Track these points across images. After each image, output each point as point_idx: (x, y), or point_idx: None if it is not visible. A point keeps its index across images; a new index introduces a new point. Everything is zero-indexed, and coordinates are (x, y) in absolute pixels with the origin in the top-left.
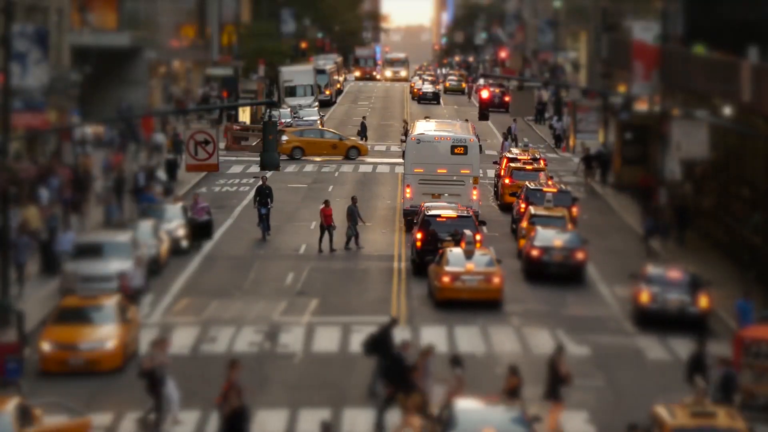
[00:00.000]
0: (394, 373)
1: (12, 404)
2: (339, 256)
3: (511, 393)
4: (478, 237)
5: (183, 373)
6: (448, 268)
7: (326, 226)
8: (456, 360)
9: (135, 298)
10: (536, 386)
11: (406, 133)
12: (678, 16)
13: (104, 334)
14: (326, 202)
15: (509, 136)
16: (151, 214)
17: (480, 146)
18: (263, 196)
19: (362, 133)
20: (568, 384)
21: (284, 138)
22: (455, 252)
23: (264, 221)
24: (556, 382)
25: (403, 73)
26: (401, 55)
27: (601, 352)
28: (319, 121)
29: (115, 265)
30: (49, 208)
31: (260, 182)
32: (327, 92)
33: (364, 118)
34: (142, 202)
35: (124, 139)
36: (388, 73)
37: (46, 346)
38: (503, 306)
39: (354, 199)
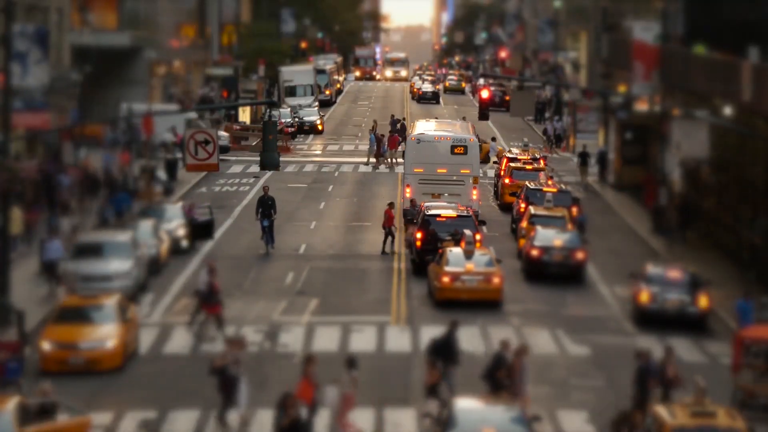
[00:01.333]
0: (490, 371)
1: (12, 403)
2: (339, 256)
3: (431, 388)
4: (478, 237)
5: (183, 373)
6: (447, 268)
7: (388, 228)
8: (351, 361)
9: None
10: (536, 386)
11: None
12: (678, 16)
13: (104, 334)
14: (391, 204)
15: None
16: (151, 214)
17: (480, 146)
18: (266, 207)
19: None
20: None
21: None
22: (455, 252)
23: (267, 233)
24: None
25: (403, 73)
26: (401, 55)
27: (601, 352)
28: (319, 121)
29: (115, 264)
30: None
31: (263, 192)
32: (327, 92)
33: (403, 118)
34: (113, 203)
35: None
36: (389, 72)
37: (46, 346)
38: (503, 306)
39: (392, 205)
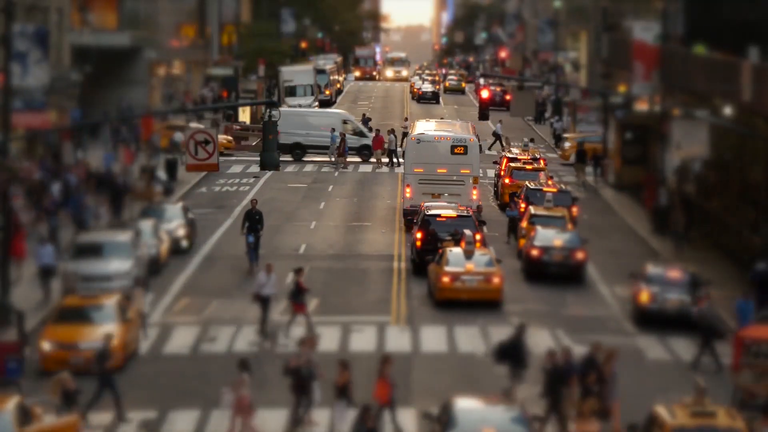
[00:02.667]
0: (557, 377)
1: (12, 403)
2: (339, 256)
3: (342, 389)
4: (477, 237)
5: (183, 373)
6: (447, 268)
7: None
8: (243, 364)
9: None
10: (536, 386)
11: (405, 135)
12: (678, 16)
13: (104, 334)
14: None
15: (499, 138)
16: (151, 214)
17: (480, 146)
18: (252, 221)
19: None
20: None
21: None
22: (455, 252)
23: (252, 250)
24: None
25: (404, 73)
26: (402, 55)
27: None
28: None
29: (115, 264)
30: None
31: (250, 206)
32: (327, 92)
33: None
34: (69, 206)
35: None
36: (389, 72)
37: (46, 346)
38: (503, 306)
39: (479, 208)
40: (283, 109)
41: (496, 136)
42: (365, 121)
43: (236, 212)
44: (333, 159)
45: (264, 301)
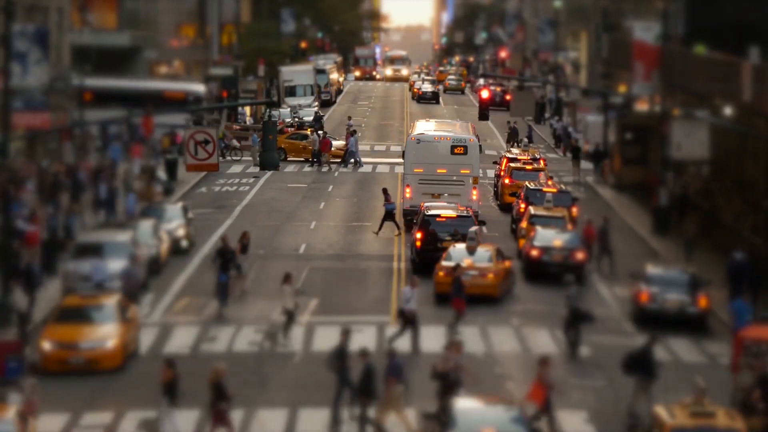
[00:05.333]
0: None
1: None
2: (339, 256)
3: (167, 386)
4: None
5: (183, 373)
6: (444, 263)
7: (589, 246)
8: (31, 368)
9: (135, 296)
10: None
11: None
12: (679, 16)
13: (104, 334)
14: (589, 221)
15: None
16: (151, 214)
17: (480, 146)
18: (225, 260)
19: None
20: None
21: None
22: (458, 248)
23: (223, 292)
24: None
25: (404, 72)
26: (402, 53)
27: (601, 352)
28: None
29: (115, 264)
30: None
31: (221, 243)
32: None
33: (509, 122)
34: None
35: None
36: (389, 71)
37: (46, 346)
38: (503, 306)
39: (606, 220)
40: None
41: (514, 134)
42: (349, 125)
43: (236, 212)
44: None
45: (408, 317)
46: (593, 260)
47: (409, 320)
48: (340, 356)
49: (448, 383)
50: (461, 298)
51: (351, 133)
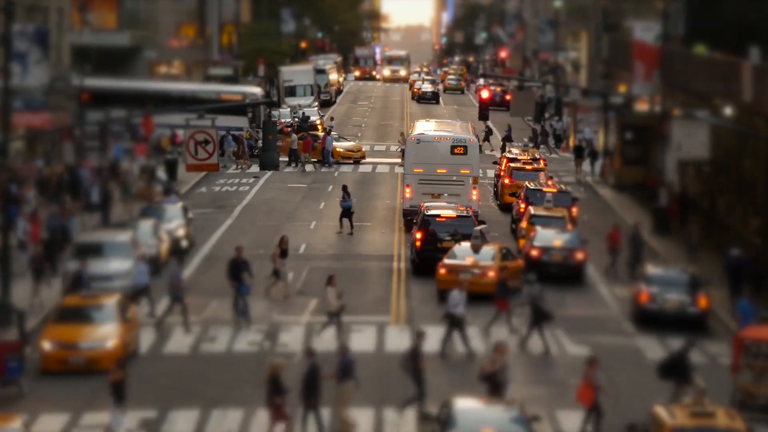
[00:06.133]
0: None
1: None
2: (339, 256)
3: (116, 387)
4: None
5: (183, 373)
6: (447, 261)
7: (613, 251)
8: None
9: (137, 297)
10: (536, 386)
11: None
12: (679, 16)
13: (104, 333)
14: (616, 225)
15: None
16: (151, 214)
17: (480, 146)
18: (237, 270)
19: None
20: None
21: None
22: (463, 246)
23: (241, 304)
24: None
25: (402, 72)
26: (401, 53)
27: (601, 352)
28: (318, 121)
29: (115, 264)
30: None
31: (235, 254)
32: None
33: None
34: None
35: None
36: (386, 72)
37: (46, 345)
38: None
39: (637, 227)
40: None
41: (540, 134)
42: (330, 127)
43: (236, 212)
44: (235, 162)
45: (457, 321)
46: (609, 266)
47: (456, 324)
48: (413, 358)
49: (495, 384)
50: (505, 298)
51: (327, 133)
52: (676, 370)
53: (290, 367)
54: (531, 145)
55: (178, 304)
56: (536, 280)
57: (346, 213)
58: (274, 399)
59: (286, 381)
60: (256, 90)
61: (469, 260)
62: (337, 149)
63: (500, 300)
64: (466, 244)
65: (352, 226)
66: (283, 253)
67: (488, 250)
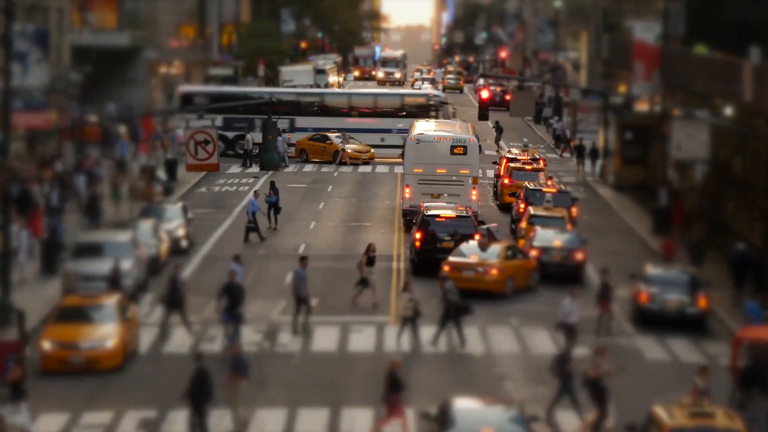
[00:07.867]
0: None
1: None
2: (339, 256)
3: (14, 385)
4: (476, 237)
5: (183, 373)
6: (450, 258)
7: (668, 258)
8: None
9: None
10: (536, 386)
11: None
12: (679, 16)
13: (104, 333)
14: (672, 236)
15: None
16: (151, 214)
17: (479, 146)
18: (234, 296)
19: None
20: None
21: None
22: (470, 244)
23: (233, 332)
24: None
25: (397, 75)
26: (397, 54)
27: None
28: None
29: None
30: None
31: (227, 279)
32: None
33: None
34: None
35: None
36: (380, 74)
37: (46, 345)
38: (502, 306)
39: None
40: None
41: (562, 139)
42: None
43: (236, 212)
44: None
45: (570, 330)
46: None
47: (570, 333)
48: (563, 361)
49: (598, 389)
50: (607, 299)
51: (279, 133)
52: (755, 378)
53: (289, 367)
54: (560, 146)
55: (178, 309)
56: (448, 276)
57: (272, 206)
58: (391, 396)
59: (403, 378)
60: (439, 92)
61: (473, 258)
62: (347, 150)
63: (603, 301)
64: (473, 243)
65: (276, 222)
66: (370, 260)
67: (495, 249)
